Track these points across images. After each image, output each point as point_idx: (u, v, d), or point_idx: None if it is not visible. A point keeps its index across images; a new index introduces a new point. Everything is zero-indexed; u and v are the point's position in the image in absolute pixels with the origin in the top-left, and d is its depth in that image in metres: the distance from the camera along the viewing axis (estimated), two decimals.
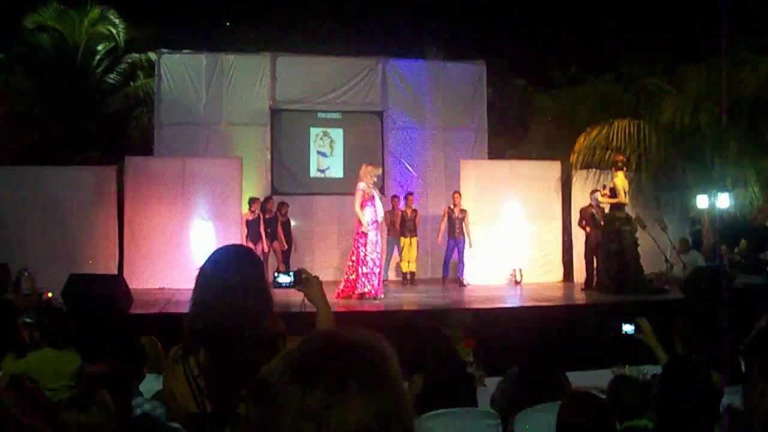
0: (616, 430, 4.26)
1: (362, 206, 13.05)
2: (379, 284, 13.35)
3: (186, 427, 3.14)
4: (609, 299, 13.41)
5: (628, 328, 5.47)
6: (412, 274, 16.68)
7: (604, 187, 15.09)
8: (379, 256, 13.44)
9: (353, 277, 13.26)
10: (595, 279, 15.05)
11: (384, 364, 1.44)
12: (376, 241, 13.26)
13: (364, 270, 13.12)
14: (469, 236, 16.09)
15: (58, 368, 4.88)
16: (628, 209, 15.08)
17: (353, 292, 13.17)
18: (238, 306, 2.97)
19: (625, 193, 14.60)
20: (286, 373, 1.40)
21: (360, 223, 13.14)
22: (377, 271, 13.33)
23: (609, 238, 14.45)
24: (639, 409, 4.55)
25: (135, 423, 4.40)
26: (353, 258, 13.33)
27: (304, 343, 1.48)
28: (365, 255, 13.13)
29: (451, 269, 16.65)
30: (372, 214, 13.10)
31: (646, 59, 18.71)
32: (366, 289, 13.10)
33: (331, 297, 12.77)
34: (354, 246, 13.37)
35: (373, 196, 13.14)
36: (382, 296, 13.39)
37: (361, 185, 13.11)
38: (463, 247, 16.14)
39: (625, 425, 4.45)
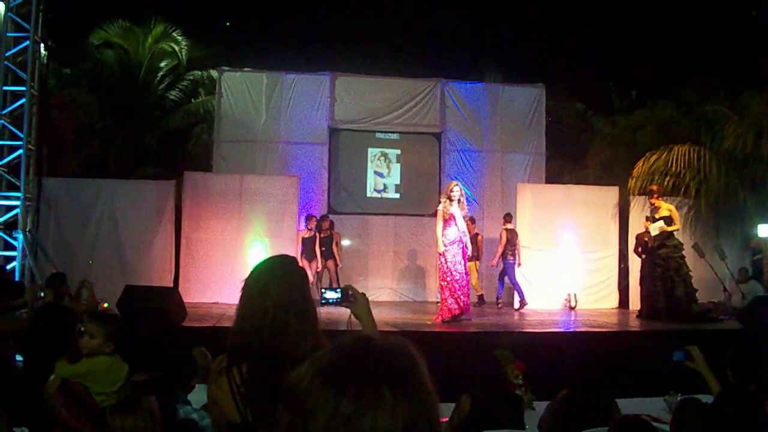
0: None
1: (444, 227, 12.73)
2: (465, 303, 12.97)
3: None
4: (664, 327, 13.19)
5: (678, 356, 5.40)
6: (480, 297, 16.74)
7: (654, 219, 14.65)
8: (461, 275, 12.89)
9: (440, 298, 13.05)
10: (645, 307, 14.69)
11: (415, 368, 1.45)
12: (458, 261, 12.81)
13: (451, 292, 12.78)
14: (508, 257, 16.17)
15: (110, 374, 4.94)
16: (685, 237, 14.91)
17: (450, 315, 12.74)
18: (278, 324, 3.00)
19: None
20: (316, 377, 1.41)
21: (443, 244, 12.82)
22: (459, 289, 12.84)
23: (666, 265, 14.21)
24: None
25: (178, 429, 4.45)
26: (442, 281, 12.96)
27: (334, 348, 1.48)
28: (449, 276, 12.77)
29: (505, 293, 16.65)
30: (454, 233, 12.75)
31: (707, 85, 18.48)
32: (456, 312, 12.77)
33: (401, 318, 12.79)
34: (439, 269, 13.04)
35: (453, 215, 12.73)
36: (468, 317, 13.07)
37: (439, 207, 12.85)
38: (512, 270, 16.11)
39: None
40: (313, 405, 1.38)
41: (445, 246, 12.75)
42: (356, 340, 1.50)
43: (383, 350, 1.47)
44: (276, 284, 3.08)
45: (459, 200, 12.83)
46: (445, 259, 12.76)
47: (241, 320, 3.10)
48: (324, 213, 17.44)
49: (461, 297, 12.85)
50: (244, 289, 3.13)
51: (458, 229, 12.80)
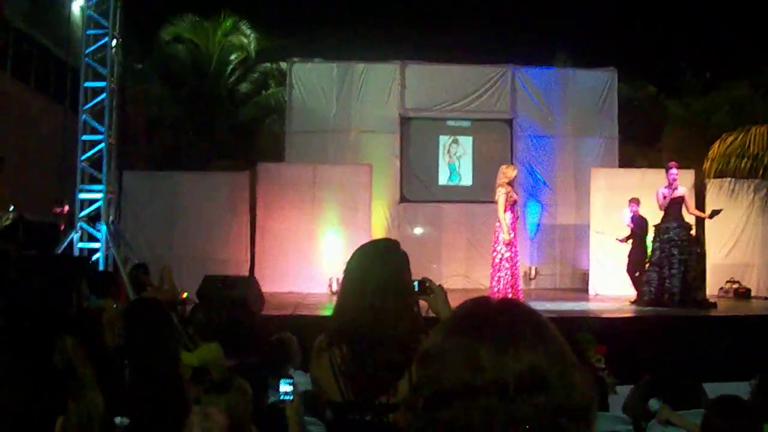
0: None
1: (506, 210, 12.20)
2: (517, 290, 12.56)
3: (330, 413, 3.27)
4: (741, 313, 12.98)
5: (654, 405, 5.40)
6: None
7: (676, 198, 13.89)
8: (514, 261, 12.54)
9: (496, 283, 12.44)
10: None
11: (544, 321, 1.49)
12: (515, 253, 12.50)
13: (503, 275, 12.31)
14: None
15: (220, 360, 5.16)
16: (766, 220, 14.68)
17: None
18: (376, 307, 3.05)
19: None
20: (453, 334, 1.45)
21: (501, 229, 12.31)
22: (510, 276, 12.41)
23: (663, 251, 13.55)
24: None
25: (268, 410, 4.58)
26: (497, 265, 12.44)
27: (460, 310, 1.53)
28: (502, 260, 12.33)
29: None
30: (511, 218, 12.30)
31: None
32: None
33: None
34: (496, 252, 12.46)
35: (516, 201, 12.55)
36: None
37: (502, 192, 12.20)
38: None
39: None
40: (452, 358, 1.41)
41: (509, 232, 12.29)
42: (480, 299, 1.55)
43: (509, 302, 1.54)
44: (375, 267, 3.14)
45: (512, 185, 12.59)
46: (507, 246, 12.32)
47: (341, 302, 3.19)
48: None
49: (512, 285, 12.43)
50: (345, 271, 3.20)
51: (514, 216, 12.49)
